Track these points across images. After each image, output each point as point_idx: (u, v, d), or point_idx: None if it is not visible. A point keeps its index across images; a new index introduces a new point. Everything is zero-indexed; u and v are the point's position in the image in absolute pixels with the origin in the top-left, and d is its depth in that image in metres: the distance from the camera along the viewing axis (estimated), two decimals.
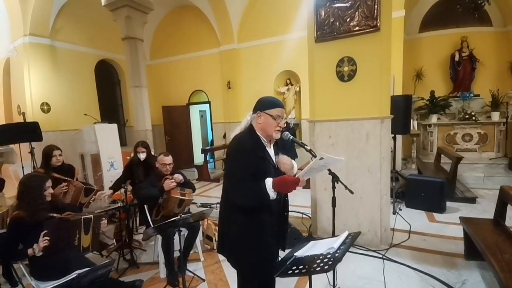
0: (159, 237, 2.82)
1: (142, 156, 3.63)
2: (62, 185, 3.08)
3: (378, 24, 2.93)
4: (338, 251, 1.42)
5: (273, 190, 1.47)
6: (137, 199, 3.33)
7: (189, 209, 3.23)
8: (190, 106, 9.33)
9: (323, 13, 3.18)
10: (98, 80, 8.34)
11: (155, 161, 3.69)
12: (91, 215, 2.19)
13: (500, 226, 2.64)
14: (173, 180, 2.97)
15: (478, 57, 6.85)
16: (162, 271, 2.86)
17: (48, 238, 1.94)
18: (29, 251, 1.95)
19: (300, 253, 1.53)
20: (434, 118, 6.70)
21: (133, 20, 5.76)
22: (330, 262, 1.34)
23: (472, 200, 4.50)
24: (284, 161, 1.65)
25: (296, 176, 1.49)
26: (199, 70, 8.74)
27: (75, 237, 2.10)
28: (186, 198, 2.96)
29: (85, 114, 5.65)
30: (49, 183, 2.16)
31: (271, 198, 1.48)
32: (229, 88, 8.05)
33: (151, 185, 2.97)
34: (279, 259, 1.70)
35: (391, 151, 3.75)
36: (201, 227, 3.34)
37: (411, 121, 5.59)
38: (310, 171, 1.55)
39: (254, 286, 1.72)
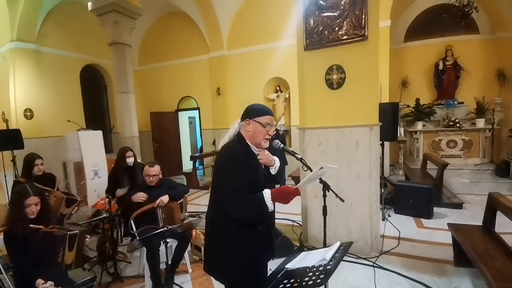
0: (145, 249, 2.71)
1: (131, 160, 3.55)
2: None
3: (366, 33, 2.97)
4: (330, 263, 1.38)
5: (271, 202, 1.43)
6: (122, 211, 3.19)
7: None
8: (179, 113, 9.22)
9: (312, 22, 3.21)
10: (84, 86, 8.15)
11: (140, 168, 3.62)
12: (77, 231, 2.08)
13: (489, 233, 2.65)
14: (143, 194, 2.88)
15: (463, 65, 7.04)
16: (148, 285, 2.74)
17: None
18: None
19: (291, 265, 1.48)
20: (419, 125, 6.85)
21: (120, 26, 5.66)
22: (322, 276, 1.31)
23: (458, 205, 4.57)
24: (266, 153, 1.62)
25: (295, 187, 1.46)
26: (188, 76, 8.67)
27: (59, 253, 2.01)
28: (182, 199, 3.10)
29: (68, 121, 5.48)
30: (32, 200, 2.01)
31: (270, 210, 1.45)
32: (219, 94, 8.02)
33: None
34: (270, 271, 1.65)
35: (380, 158, 3.78)
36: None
37: (398, 128, 5.69)
38: (309, 181, 1.53)
39: None
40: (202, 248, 3.26)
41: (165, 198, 2.89)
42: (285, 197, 1.44)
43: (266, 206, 1.42)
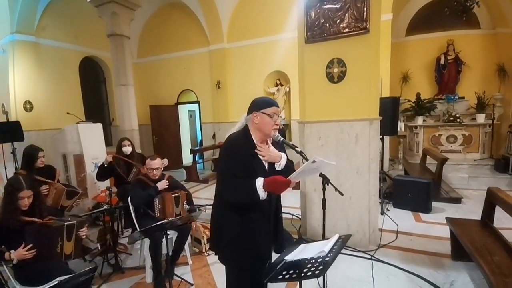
0: (146, 241, 2.73)
1: (127, 149, 3.60)
2: (43, 187, 2.95)
3: (368, 26, 2.94)
4: (329, 255, 1.39)
5: (263, 190, 1.47)
6: (132, 204, 3.23)
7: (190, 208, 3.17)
8: (179, 106, 9.19)
9: (313, 14, 3.17)
10: (83, 78, 8.12)
11: (137, 158, 3.67)
12: (74, 222, 2.10)
13: (488, 228, 2.66)
14: (166, 181, 2.96)
15: (464, 59, 7.00)
16: (149, 276, 2.78)
17: (33, 251, 1.89)
18: (6, 255, 1.89)
19: (291, 257, 1.50)
20: (419, 120, 6.84)
21: (119, 17, 5.61)
22: (321, 267, 1.32)
23: (457, 200, 4.59)
24: (270, 149, 1.64)
25: (287, 178, 1.47)
26: (188, 69, 8.62)
27: (57, 244, 2.02)
28: (179, 193, 2.99)
29: (68, 113, 5.47)
30: (25, 193, 2.03)
31: (261, 198, 1.48)
32: (219, 88, 7.98)
33: (140, 188, 2.90)
34: (271, 262, 1.67)
35: (379, 152, 3.79)
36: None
37: (398, 122, 5.68)
38: (302, 174, 1.53)
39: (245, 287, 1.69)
40: (202, 241, 3.31)
41: (164, 183, 2.95)
42: (276, 186, 1.47)
43: (256, 193, 1.46)
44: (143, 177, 3.01)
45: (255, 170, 1.56)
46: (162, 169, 3.06)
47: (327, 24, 3.11)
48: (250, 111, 1.63)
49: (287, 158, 1.71)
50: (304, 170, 1.50)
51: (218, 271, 2.88)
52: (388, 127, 4.02)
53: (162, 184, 2.92)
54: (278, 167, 1.66)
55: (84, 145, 4.36)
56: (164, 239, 2.28)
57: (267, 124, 1.59)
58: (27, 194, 2.05)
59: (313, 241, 2.86)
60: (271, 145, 1.69)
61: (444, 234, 3.28)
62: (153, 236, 2.53)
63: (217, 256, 1.73)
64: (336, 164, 3.12)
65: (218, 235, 1.69)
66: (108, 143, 6.93)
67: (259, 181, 1.48)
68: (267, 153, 1.61)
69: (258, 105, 1.61)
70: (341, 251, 3.14)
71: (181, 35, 8.51)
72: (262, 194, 1.47)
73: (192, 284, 2.71)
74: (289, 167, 1.70)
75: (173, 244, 2.84)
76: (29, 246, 1.89)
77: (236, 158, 1.54)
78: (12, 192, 2.03)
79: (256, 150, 1.59)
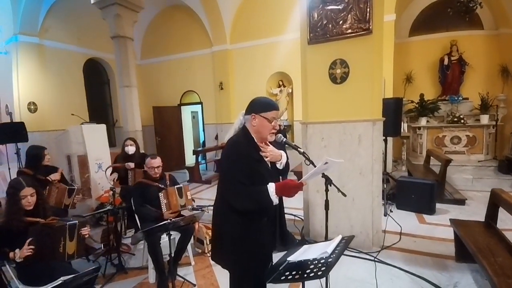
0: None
1: (131, 148, 3.62)
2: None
3: (370, 27, 2.95)
4: (331, 256, 1.39)
5: (275, 195, 1.46)
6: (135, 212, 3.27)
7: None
8: (182, 107, 9.23)
9: (316, 15, 3.18)
10: (87, 80, 8.17)
11: (137, 158, 3.70)
12: (75, 221, 2.11)
13: (491, 229, 2.65)
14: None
15: (467, 60, 6.95)
16: (152, 276, 2.79)
17: (33, 247, 1.89)
18: (11, 254, 1.90)
19: (293, 257, 1.50)
20: (423, 121, 6.80)
21: (122, 19, 5.65)
22: (323, 268, 1.32)
23: (461, 202, 4.56)
24: (270, 148, 1.63)
25: (299, 181, 1.47)
26: (191, 70, 8.66)
27: (59, 244, 2.03)
28: (182, 185, 3.05)
29: (72, 114, 5.51)
30: (27, 191, 2.04)
31: (274, 204, 1.47)
32: (221, 89, 8.00)
33: (148, 201, 2.94)
34: (273, 263, 1.67)
35: (383, 153, 3.77)
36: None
37: (402, 123, 5.66)
38: (313, 175, 1.54)
39: None
40: (205, 241, 3.31)
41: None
42: (288, 190, 1.46)
43: (269, 200, 1.45)
44: (144, 179, 3.05)
45: (261, 174, 1.54)
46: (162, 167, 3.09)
47: (330, 25, 3.11)
48: (249, 111, 1.59)
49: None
50: (315, 172, 1.51)
51: (221, 272, 2.87)
52: (391, 128, 4.02)
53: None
54: (280, 165, 1.67)
55: (88, 146, 4.39)
56: (166, 240, 2.29)
57: (265, 128, 1.55)
58: (29, 191, 2.06)
59: (316, 242, 2.85)
60: (269, 144, 1.68)
61: (448, 235, 3.27)
62: (150, 240, 2.54)
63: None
64: (339, 164, 3.14)
65: (220, 241, 1.66)
66: (111, 144, 6.96)
67: (271, 188, 1.45)
68: (270, 153, 1.60)
69: (257, 107, 1.56)
70: (344, 252, 3.11)
71: (184, 37, 8.55)
72: (276, 200, 1.47)
73: (194, 285, 2.71)
74: (287, 164, 1.72)
75: (176, 245, 2.85)
76: (28, 241, 1.89)
77: (241, 165, 1.49)
78: (14, 193, 2.04)
79: (260, 153, 1.58)
